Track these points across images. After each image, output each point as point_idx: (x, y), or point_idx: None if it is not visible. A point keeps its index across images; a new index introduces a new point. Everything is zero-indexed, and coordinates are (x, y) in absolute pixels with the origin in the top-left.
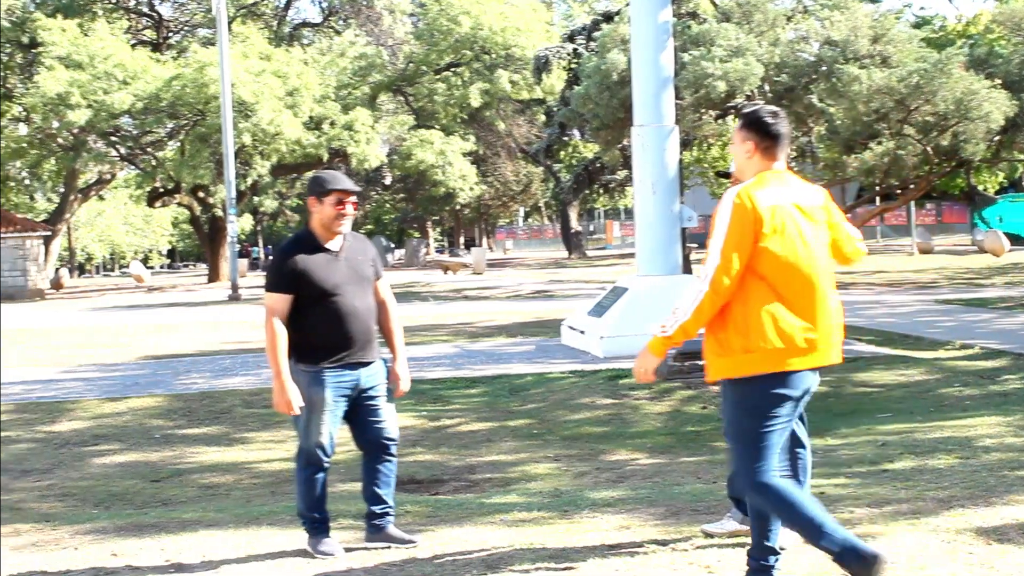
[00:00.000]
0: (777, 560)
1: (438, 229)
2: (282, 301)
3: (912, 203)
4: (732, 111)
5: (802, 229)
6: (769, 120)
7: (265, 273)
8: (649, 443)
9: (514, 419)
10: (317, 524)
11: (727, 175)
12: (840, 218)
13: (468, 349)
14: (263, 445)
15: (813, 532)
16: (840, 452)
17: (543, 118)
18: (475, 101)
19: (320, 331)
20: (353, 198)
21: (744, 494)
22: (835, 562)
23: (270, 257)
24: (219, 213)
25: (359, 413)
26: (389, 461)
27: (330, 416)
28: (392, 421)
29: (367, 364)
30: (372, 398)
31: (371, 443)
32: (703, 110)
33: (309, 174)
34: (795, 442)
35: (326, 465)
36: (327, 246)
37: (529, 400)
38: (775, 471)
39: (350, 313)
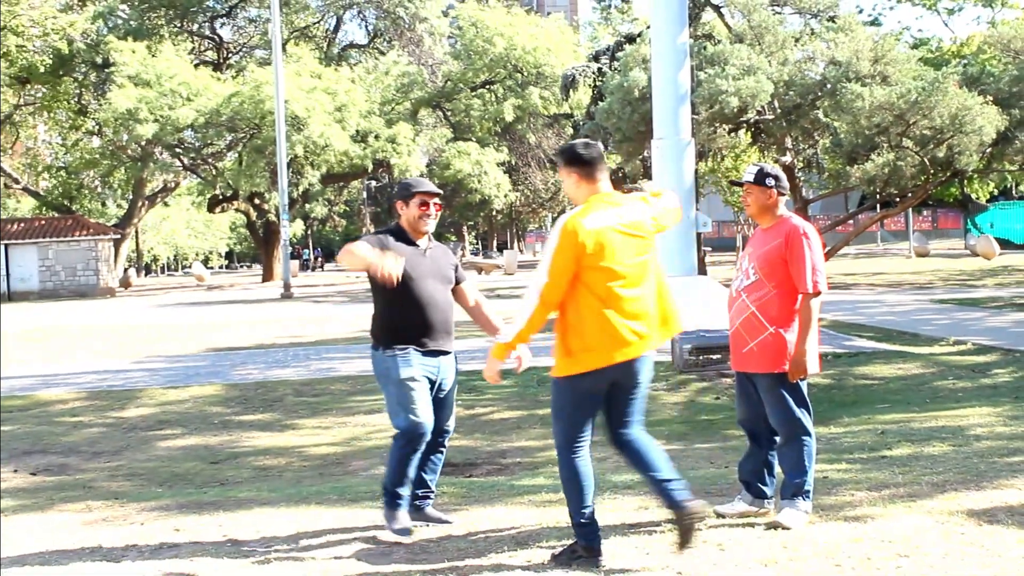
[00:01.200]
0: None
1: (473, 233)
2: (369, 246)
3: (910, 210)
4: (744, 125)
5: (625, 245)
6: (582, 151)
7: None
8: (666, 430)
9: (542, 408)
10: (399, 501)
11: (739, 184)
12: (661, 211)
13: None
14: (312, 431)
15: (576, 513)
16: (843, 440)
17: (570, 131)
18: (508, 116)
19: (405, 316)
20: (436, 200)
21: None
22: (571, 546)
23: (319, 259)
24: (273, 218)
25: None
26: (441, 451)
27: (421, 392)
28: (452, 414)
29: (446, 353)
30: (443, 389)
31: (431, 431)
32: (717, 124)
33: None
34: (769, 441)
35: (425, 442)
36: (416, 242)
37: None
38: (587, 449)
39: (431, 303)
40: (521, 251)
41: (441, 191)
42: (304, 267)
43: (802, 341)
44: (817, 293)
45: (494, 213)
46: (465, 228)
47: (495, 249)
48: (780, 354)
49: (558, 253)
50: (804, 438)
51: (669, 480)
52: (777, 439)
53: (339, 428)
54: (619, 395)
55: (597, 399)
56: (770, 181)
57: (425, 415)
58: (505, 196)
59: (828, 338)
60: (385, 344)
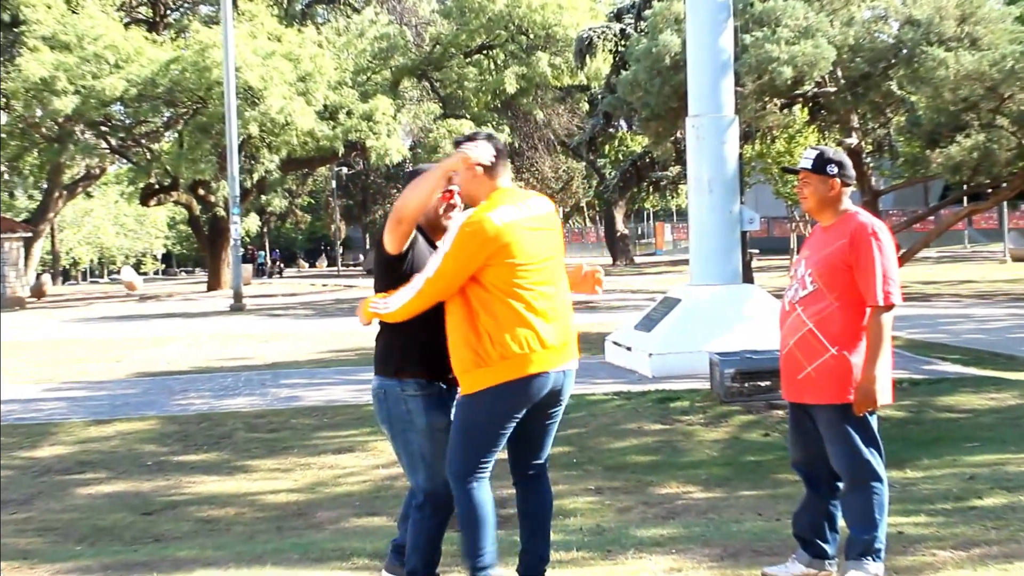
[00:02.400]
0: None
1: None
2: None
3: (1004, 204)
4: (799, 100)
5: (536, 240)
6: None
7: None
8: (703, 474)
9: (552, 446)
10: None
11: (794, 171)
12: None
13: None
14: (268, 474)
15: (473, 554)
16: (921, 486)
17: (586, 107)
18: (510, 87)
19: (438, 335)
20: (456, 187)
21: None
22: None
23: (278, 263)
24: (221, 213)
25: None
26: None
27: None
28: None
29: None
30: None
31: None
32: (767, 98)
33: (324, 173)
34: (831, 488)
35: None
36: (435, 241)
37: (568, 425)
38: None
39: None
40: None
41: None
42: (259, 272)
43: (871, 365)
44: (889, 306)
45: None
46: None
47: None
48: (844, 381)
49: (458, 248)
50: (874, 484)
51: (542, 556)
52: (840, 485)
53: (301, 471)
54: (536, 416)
55: (514, 419)
56: (832, 168)
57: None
58: None
59: (903, 361)
60: (402, 374)
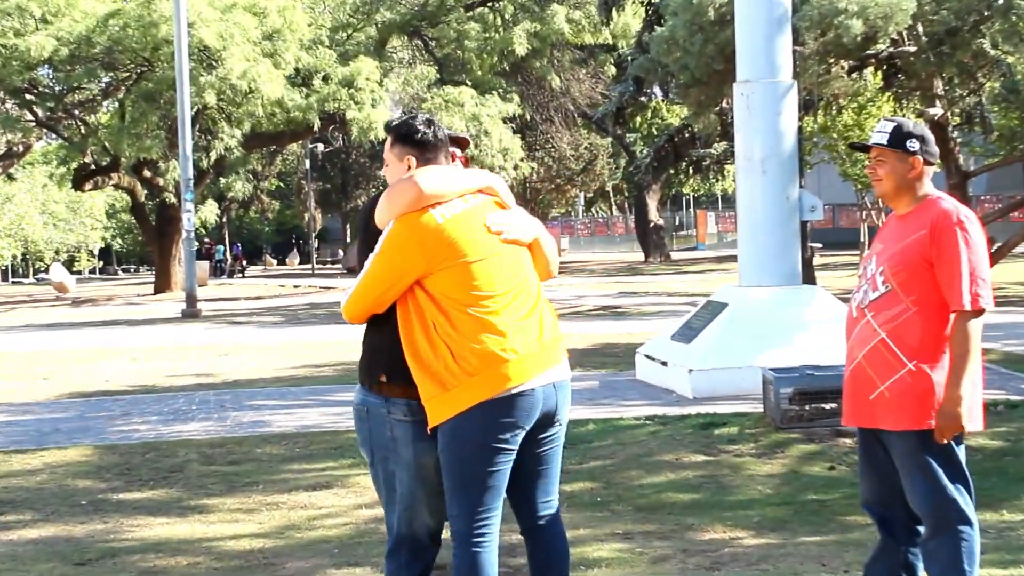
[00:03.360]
0: None
1: None
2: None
3: None
4: (872, 61)
5: (486, 234)
6: (424, 129)
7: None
8: (755, 516)
9: (571, 482)
10: None
11: (865, 148)
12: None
13: None
14: (228, 516)
15: None
16: (1021, 531)
17: (612, 71)
18: (520, 48)
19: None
20: (460, 152)
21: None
22: None
23: (240, 259)
24: (171, 199)
25: None
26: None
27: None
28: None
29: None
30: None
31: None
32: (832, 60)
33: (295, 150)
34: (910, 533)
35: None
36: None
37: (591, 456)
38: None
39: None
40: None
41: (468, 137)
42: (218, 271)
43: (955, 383)
44: (979, 311)
45: None
46: None
47: None
48: (924, 402)
49: (390, 249)
50: (961, 528)
51: None
52: (921, 530)
53: (268, 512)
54: (529, 446)
55: (504, 451)
56: (913, 144)
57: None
58: (516, 167)
59: (998, 379)
60: (389, 390)
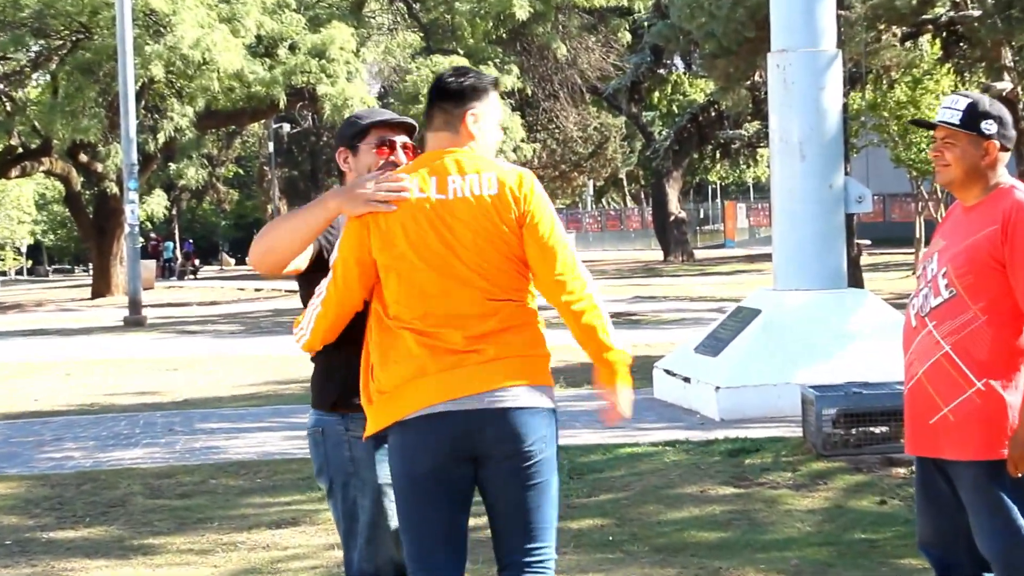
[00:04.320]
0: None
1: None
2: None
3: None
4: (929, 28)
5: (426, 225)
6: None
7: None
8: (794, 558)
9: (578, 518)
10: None
11: (930, 125)
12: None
13: None
14: (177, 557)
15: None
16: None
17: (627, 39)
18: (520, 11)
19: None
20: (405, 138)
21: None
22: None
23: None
24: (112, 189)
25: None
26: None
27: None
28: None
29: None
30: None
31: None
32: (882, 26)
33: (257, 131)
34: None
35: None
36: None
37: (602, 488)
38: None
39: None
40: None
41: (415, 123)
42: (167, 272)
43: None
44: None
45: None
46: None
47: None
48: (995, 427)
49: (344, 237)
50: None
51: None
52: (990, 575)
53: (224, 553)
54: (489, 479)
55: (422, 484)
56: (990, 126)
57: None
58: (515, 150)
59: None
60: (345, 408)
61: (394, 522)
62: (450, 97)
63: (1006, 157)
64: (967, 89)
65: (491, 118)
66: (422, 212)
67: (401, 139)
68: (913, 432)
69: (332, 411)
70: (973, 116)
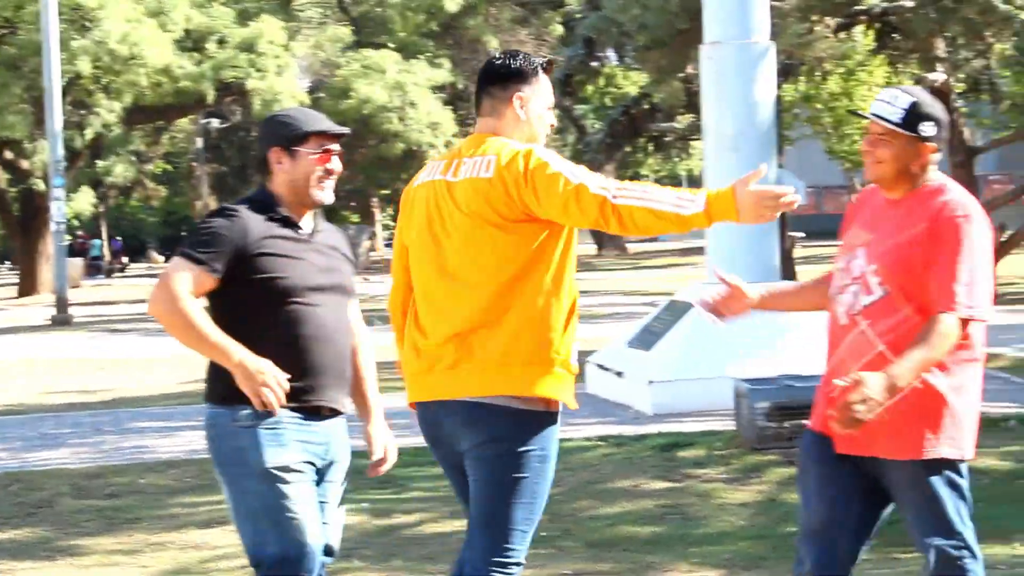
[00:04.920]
0: None
1: (390, 210)
2: (200, 280)
3: None
4: (862, 19)
5: (429, 211)
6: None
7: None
8: (727, 552)
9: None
10: None
11: (865, 117)
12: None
13: None
14: (105, 558)
15: None
16: None
17: (559, 31)
18: (451, 4)
19: (277, 352)
20: (337, 146)
21: None
22: None
23: (121, 256)
24: (39, 186)
25: None
26: None
27: (303, 490)
28: (337, 526)
29: (338, 415)
30: (324, 484)
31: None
32: (815, 17)
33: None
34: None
35: None
36: (298, 223)
37: None
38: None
39: (323, 336)
40: None
41: (348, 131)
42: (94, 270)
43: (907, 368)
44: (967, 321)
45: None
46: (376, 201)
47: None
48: (933, 424)
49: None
50: (969, 564)
51: None
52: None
53: (153, 553)
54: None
55: (445, 469)
56: (928, 128)
57: (313, 533)
58: (448, 145)
59: (1009, 389)
60: (235, 402)
61: (289, 504)
62: (497, 80)
63: (938, 158)
64: (900, 81)
65: (539, 102)
66: (432, 193)
67: (337, 146)
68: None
69: (221, 404)
70: (914, 117)
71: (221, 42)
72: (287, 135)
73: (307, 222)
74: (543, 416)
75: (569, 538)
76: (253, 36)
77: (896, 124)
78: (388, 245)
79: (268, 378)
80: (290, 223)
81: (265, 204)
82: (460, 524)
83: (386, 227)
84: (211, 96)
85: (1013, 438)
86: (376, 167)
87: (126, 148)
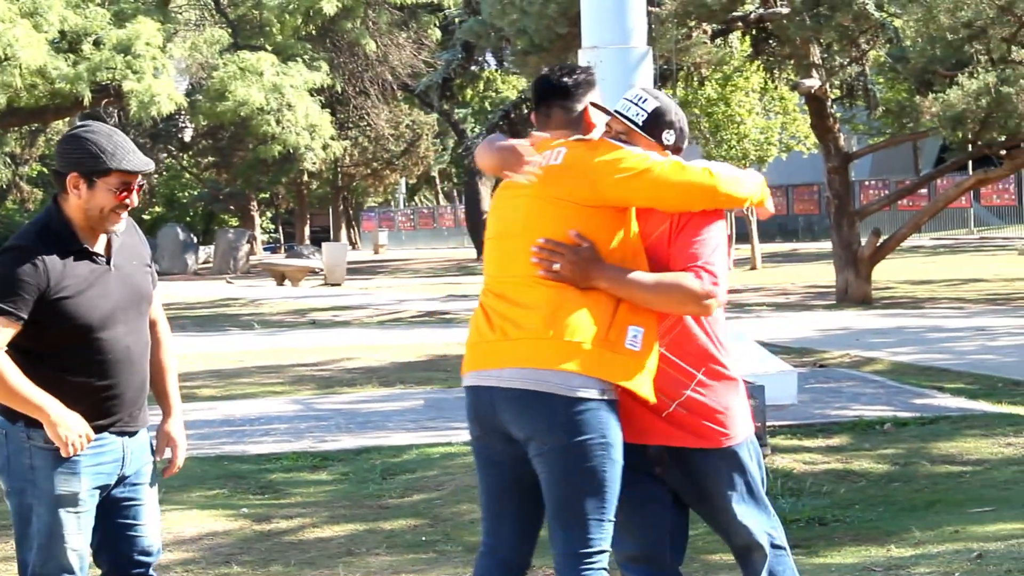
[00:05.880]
0: None
1: (270, 214)
2: (9, 331)
3: None
4: (738, 25)
5: (513, 206)
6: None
7: None
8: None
9: (391, 519)
10: None
11: (609, 112)
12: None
13: (317, 407)
14: None
15: None
16: (911, 569)
17: (437, 35)
18: (328, 7)
19: (72, 386)
20: (141, 180)
21: None
22: None
23: None
24: None
25: (109, 513)
26: None
27: (84, 519)
28: (154, 525)
29: (133, 433)
30: (134, 487)
31: (118, 562)
32: (692, 23)
33: (61, 129)
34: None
35: None
36: (91, 249)
37: (415, 488)
38: None
39: (123, 358)
40: (354, 244)
41: (152, 166)
42: None
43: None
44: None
45: (307, 178)
46: (256, 204)
47: (307, 241)
48: (728, 412)
49: None
50: (779, 549)
51: None
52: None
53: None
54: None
55: (484, 456)
56: (669, 136)
57: (76, 558)
58: (325, 147)
59: (886, 393)
60: (24, 423)
61: (68, 534)
62: (568, 95)
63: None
64: (777, 86)
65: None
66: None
67: (139, 181)
68: (644, 425)
69: (16, 421)
70: (656, 123)
71: (97, 43)
72: (90, 166)
73: (102, 243)
74: (599, 403)
75: (449, 542)
76: (130, 37)
77: (639, 126)
78: (267, 249)
79: (75, 437)
80: (86, 254)
81: (60, 236)
82: (340, 529)
83: (264, 230)
84: (87, 98)
85: (888, 441)
86: (254, 170)
87: (1, 151)
